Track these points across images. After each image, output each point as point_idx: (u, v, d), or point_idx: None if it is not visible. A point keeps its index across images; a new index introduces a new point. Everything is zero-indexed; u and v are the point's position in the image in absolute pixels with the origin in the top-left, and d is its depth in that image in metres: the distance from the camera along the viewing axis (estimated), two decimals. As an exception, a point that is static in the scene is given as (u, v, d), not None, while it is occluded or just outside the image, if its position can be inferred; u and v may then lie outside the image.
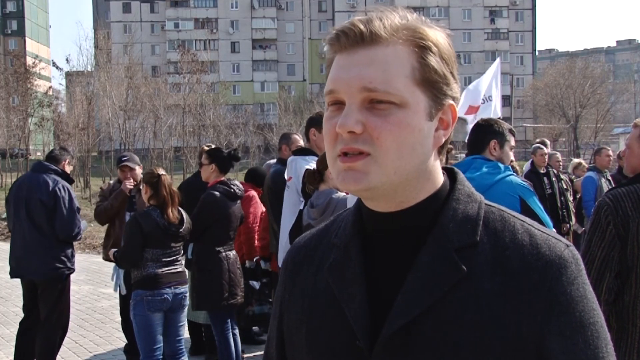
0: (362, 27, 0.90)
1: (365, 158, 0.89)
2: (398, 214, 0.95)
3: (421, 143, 0.91)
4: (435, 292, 0.89)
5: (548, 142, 9.36)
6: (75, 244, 16.62)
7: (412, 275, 0.91)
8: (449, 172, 1.01)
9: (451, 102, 0.95)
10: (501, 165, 3.25)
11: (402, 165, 0.90)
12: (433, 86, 0.92)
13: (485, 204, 0.97)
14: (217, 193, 4.72)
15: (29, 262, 4.89)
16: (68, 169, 5.23)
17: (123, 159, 5.60)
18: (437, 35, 0.93)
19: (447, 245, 0.91)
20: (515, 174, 3.32)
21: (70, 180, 5.18)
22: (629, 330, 2.36)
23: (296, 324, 1.03)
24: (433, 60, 0.91)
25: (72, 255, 5.11)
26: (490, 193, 3.03)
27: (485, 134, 3.38)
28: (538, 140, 9.47)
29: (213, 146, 5.11)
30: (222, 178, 4.90)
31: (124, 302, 5.50)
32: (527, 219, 0.96)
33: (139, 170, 5.58)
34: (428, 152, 0.93)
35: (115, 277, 4.50)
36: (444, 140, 0.96)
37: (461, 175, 1.00)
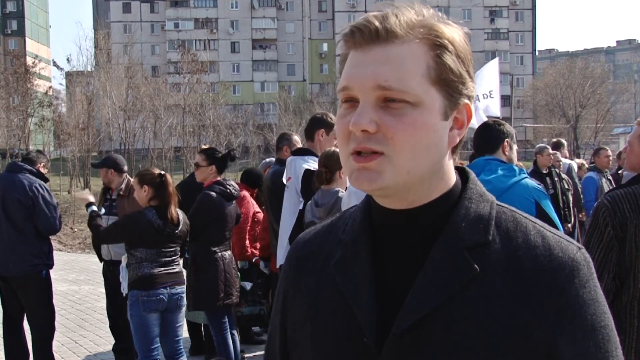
0: (377, 23, 0.89)
1: (379, 158, 0.88)
2: (409, 211, 0.94)
3: (436, 143, 0.90)
4: (446, 291, 0.88)
5: (564, 142, 9.36)
6: (75, 244, 16.56)
7: (423, 273, 0.90)
8: (460, 171, 1.00)
9: (466, 101, 0.93)
10: (516, 168, 3.22)
11: (416, 165, 0.89)
12: (449, 85, 0.90)
13: (497, 204, 0.96)
14: (213, 193, 4.72)
15: (7, 260, 4.94)
16: (43, 171, 5.29)
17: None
18: (453, 33, 0.92)
19: (459, 244, 0.90)
20: (529, 176, 3.28)
21: (44, 179, 5.25)
22: (627, 330, 2.37)
23: (300, 321, 1.02)
24: (449, 59, 0.90)
25: (50, 251, 5.19)
26: (506, 196, 3.00)
27: (500, 133, 3.34)
28: (554, 140, 9.47)
29: (207, 146, 5.08)
30: (218, 178, 4.88)
31: (110, 302, 5.53)
32: (539, 221, 0.96)
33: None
34: (443, 152, 0.92)
35: (123, 278, 4.49)
36: (458, 139, 0.95)
37: (473, 175, 0.99)
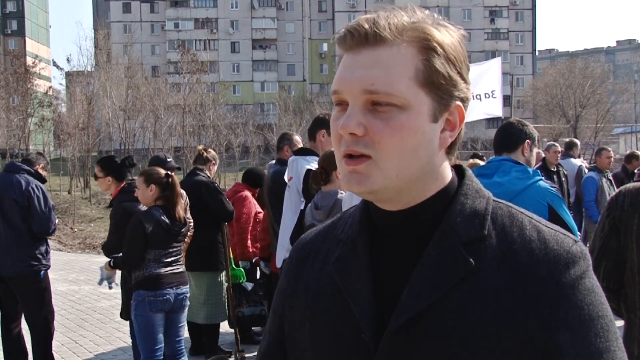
0: (366, 26, 0.89)
1: (367, 161, 0.89)
2: (406, 212, 0.95)
3: (424, 146, 0.90)
4: (442, 286, 0.89)
5: (578, 142, 9.32)
6: (75, 244, 16.52)
7: (419, 269, 0.91)
8: (457, 169, 1.00)
9: (458, 103, 0.93)
10: (530, 170, 3.18)
11: (405, 168, 0.89)
12: (438, 88, 0.90)
13: (494, 200, 0.96)
14: (125, 204, 4.63)
15: (4, 260, 4.94)
16: (42, 173, 5.27)
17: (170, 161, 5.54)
18: (444, 37, 0.91)
19: (455, 240, 0.91)
20: (543, 178, 3.24)
21: (42, 180, 5.23)
22: (633, 320, 2.40)
23: (299, 319, 1.02)
24: (437, 62, 0.90)
25: (47, 252, 5.18)
26: (519, 199, 2.97)
27: (521, 133, 3.31)
28: (567, 140, 9.46)
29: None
30: (123, 185, 4.80)
31: None
32: (535, 216, 0.96)
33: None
34: (433, 154, 0.92)
35: (102, 277, 4.40)
36: (450, 141, 0.95)
37: (469, 172, 1.00)
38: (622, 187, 2.53)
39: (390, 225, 0.97)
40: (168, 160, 5.57)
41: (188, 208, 5.19)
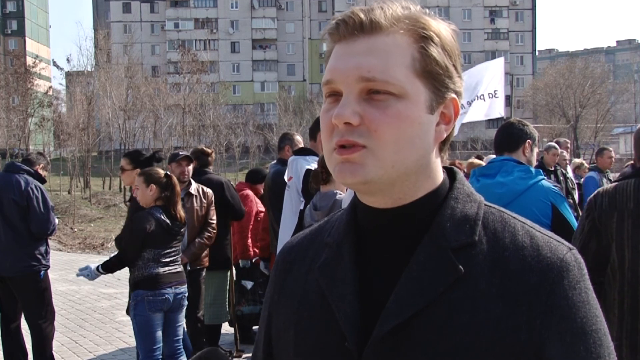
0: (362, 15, 0.88)
1: (362, 150, 0.85)
2: (394, 210, 0.91)
3: (420, 136, 0.88)
4: (430, 293, 0.85)
5: (562, 141, 9.30)
6: (75, 244, 16.48)
7: (406, 274, 0.87)
8: (448, 171, 0.97)
9: (453, 96, 0.91)
10: (532, 169, 3.18)
11: (401, 159, 0.86)
12: (434, 78, 0.88)
13: (485, 205, 0.93)
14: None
15: (4, 260, 4.94)
16: (42, 173, 5.26)
17: (181, 153, 5.38)
18: (439, 27, 0.90)
19: (444, 245, 0.87)
20: (546, 177, 3.24)
21: (42, 181, 5.22)
22: (611, 320, 2.45)
23: (285, 325, 0.99)
24: (435, 51, 0.88)
25: (47, 252, 5.17)
26: (522, 199, 2.99)
27: (522, 133, 3.31)
28: (556, 140, 9.46)
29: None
30: None
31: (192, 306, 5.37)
32: (528, 221, 0.92)
33: (191, 167, 5.28)
34: (428, 147, 0.90)
35: (89, 275, 4.28)
36: (445, 135, 0.92)
37: (460, 175, 0.97)
38: (600, 189, 2.57)
39: (378, 227, 0.93)
40: (181, 153, 5.52)
41: (213, 208, 5.18)
